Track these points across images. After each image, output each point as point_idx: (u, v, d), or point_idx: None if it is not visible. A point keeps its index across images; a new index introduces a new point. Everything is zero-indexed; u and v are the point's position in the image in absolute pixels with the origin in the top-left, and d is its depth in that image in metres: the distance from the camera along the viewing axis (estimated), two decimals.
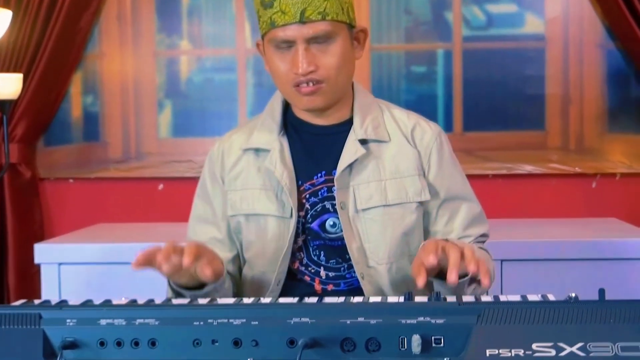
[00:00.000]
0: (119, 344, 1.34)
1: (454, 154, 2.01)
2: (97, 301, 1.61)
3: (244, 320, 1.30)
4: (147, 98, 3.41)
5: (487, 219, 2.03)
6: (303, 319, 1.29)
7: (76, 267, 2.82)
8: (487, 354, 1.26)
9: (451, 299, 1.40)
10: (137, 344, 1.34)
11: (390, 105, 2.02)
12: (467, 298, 1.42)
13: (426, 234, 1.98)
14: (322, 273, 1.94)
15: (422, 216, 1.95)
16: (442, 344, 1.29)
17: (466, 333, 1.28)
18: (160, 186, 3.43)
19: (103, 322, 1.33)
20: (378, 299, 1.56)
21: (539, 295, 1.61)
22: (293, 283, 1.95)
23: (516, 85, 3.36)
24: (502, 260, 2.77)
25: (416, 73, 3.39)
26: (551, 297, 1.57)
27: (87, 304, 1.51)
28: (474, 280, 1.73)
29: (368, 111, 1.95)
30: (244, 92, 3.37)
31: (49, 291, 2.80)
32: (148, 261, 1.73)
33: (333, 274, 1.94)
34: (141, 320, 1.32)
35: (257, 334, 1.31)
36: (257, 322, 1.30)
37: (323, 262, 1.93)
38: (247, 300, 1.56)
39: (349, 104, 1.96)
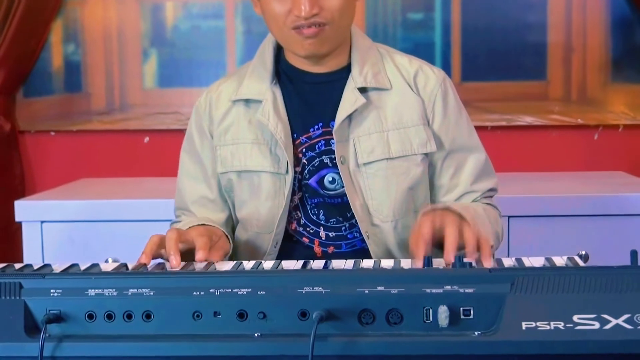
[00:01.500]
0: (109, 316, 1.20)
1: (460, 101, 1.88)
2: (83, 264, 1.46)
3: (250, 289, 1.17)
4: (131, 46, 3.30)
5: (494, 172, 1.91)
6: (316, 288, 1.16)
7: (59, 225, 2.71)
8: (523, 327, 1.13)
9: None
10: (130, 316, 1.20)
11: (391, 49, 1.89)
12: (499, 264, 1.28)
13: (431, 187, 1.87)
14: (322, 234, 1.83)
15: (427, 169, 1.83)
16: (471, 316, 1.16)
17: (498, 303, 1.15)
18: (146, 139, 3.33)
19: (91, 292, 1.19)
20: (391, 262, 1.43)
21: (564, 258, 1.49)
22: (290, 245, 1.84)
23: (517, 32, 3.26)
24: (508, 217, 2.65)
25: (413, 20, 3.27)
26: (579, 261, 1.44)
27: (73, 269, 1.37)
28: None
29: (367, 57, 1.82)
30: (232, 39, 3.27)
31: (30, 251, 2.69)
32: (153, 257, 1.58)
33: (334, 234, 1.83)
34: (134, 291, 1.18)
35: (265, 305, 1.18)
36: (264, 292, 1.17)
37: (322, 222, 1.82)
38: (249, 265, 1.42)
39: (346, 49, 1.83)
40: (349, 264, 1.51)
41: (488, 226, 1.75)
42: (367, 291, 1.16)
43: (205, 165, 1.88)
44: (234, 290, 1.17)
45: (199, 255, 1.56)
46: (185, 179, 1.92)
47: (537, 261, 1.48)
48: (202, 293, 1.18)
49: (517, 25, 3.24)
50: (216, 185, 1.88)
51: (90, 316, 1.21)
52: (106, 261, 2.58)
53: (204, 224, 1.77)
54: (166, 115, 3.29)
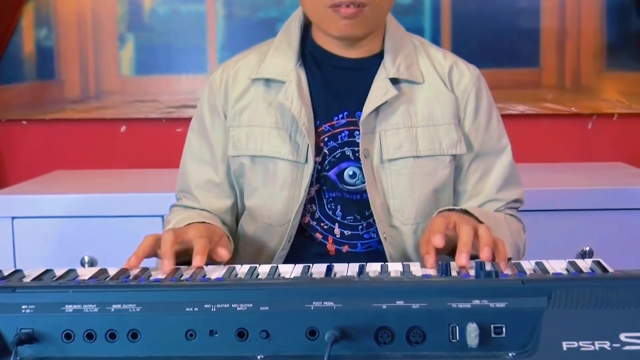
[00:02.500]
0: (89, 336, 1.05)
1: (493, 101, 1.77)
2: (59, 269, 1.31)
3: (250, 304, 1.02)
4: (107, 31, 3.19)
5: (520, 179, 1.80)
6: (326, 303, 1.02)
7: (32, 221, 2.58)
8: (564, 347, 1.00)
9: (509, 272, 1.12)
10: (113, 336, 1.05)
11: (425, 41, 1.78)
12: (518, 269, 1.14)
13: (454, 194, 1.76)
14: (337, 231, 1.71)
15: (453, 171, 1.73)
16: (504, 334, 1.02)
17: (534, 320, 1.01)
18: (123, 128, 3.22)
19: (69, 308, 1.04)
20: (399, 266, 1.29)
21: (588, 262, 1.36)
22: (302, 240, 1.72)
23: (509, 18, 3.17)
24: None
25: (401, 4, 3.17)
26: (606, 265, 1.31)
27: (47, 275, 1.22)
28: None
29: (401, 47, 1.71)
30: (213, 24, 3.16)
31: (0, 249, 2.57)
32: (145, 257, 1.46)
33: (349, 232, 1.71)
34: (118, 306, 1.03)
35: (268, 322, 1.03)
36: (267, 308, 1.02)
37: (339, 218, 1.71)
38: (242, 270, 1.28)
39: (380, 36, 1.72)
40: (352, 268, 1.38)
41: (507, 236, 1.63)
42: (384, 306, 1.02)
43: (214, 147, 1.76)
44: (233, 305, 1.02)
45: (197, 260, 1.44)
46: (190, 160, 1.80)
47: (558, 265, 1.37)
48: (196, 309, 1.03)
49: (509, 10, 3.17)
50: (224, 169, 1.76)
51: (68, 336, 1.07)
52: (82, 261, 2.54)
53: (204, 222, 1.65)
54: (144, 103, 3.19)
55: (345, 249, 1.71)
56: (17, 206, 2.59)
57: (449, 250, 1.49)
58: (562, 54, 3.18)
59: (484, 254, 1.38)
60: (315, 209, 1.71)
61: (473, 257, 1.42)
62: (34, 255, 2.53)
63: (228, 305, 1.03)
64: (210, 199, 1.76)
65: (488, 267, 1.20)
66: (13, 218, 2.58)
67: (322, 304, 1.02)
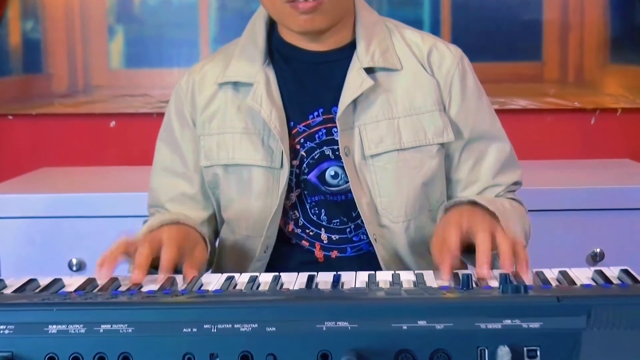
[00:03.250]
0: None
1: (479, 83, 1.66)
2: (44, 278, 1.21)
3: (255, 325, 0.92)
4: (95, 23, 3.12)
5: (518, 162, 1.70)
6: (340, 324, 0.91)
7: (17, 222, 2.49)
8: None
9: (541, 288, 1.01)
10: None
11: (400, 24, 1.67)
12: (569, 290, 1.04)
13: (447, 182, 1.66)
14: (324, 236, 1.62)
15: (443, 161, 1.62)
16: (538, 358, 0.92)
17: (572, 342, 0.91)
18: (112, 123, 3.15)
19: (53, 328, 0.94)
20: (411, 275, 1.18)
21: (614, 270, 1.28)
22: (288, 249, 1.63)
23: (510, 10, 3.11)
24: None
25: None
26: (636, 275, 1.22)
27: (31, 285, 1.11)
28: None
29: (374, 33, 1.61)
30: (206, 16, 3.10)
31: None
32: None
33: (337, 236, 1.61)
34: (107, 327, 0.93)
35: (275, 345, 0.93)
36: (274, 328, 0.92)
37: (324, 223, 1.61)
38: (242, 279, 1.17)
39: (349, 24, 1.62)
40: (361, 278, 1.28)
41: (518, 225, 1.54)
42: (405, 327, 0.92)
43: (186, 158, 1.67)
44: (236, 325, 0.92)
45: (160, 277, 1.36)
46: (161, 173, 1.70)
47: (582, 274, 1.28)
48: (194, 330, 0.93)
49: (511, 2, 3.11)
50: (198, 180, 1.67)
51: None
52: (69, 264, 2.44)
53: (178, 222, 1.54)
54: (134, 97, 3.13)
55: (334, 254, 1.62)
56: (1, 206, 2.50)
57: (462, 249, 1.40)
58: (564, 47, 3.12)
59: (506, 266, 1.29)
60: (298, 215, 1.62)
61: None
62: (19, 258, 2.45)
63: (230, 325, 0.93)
64: (186, 212, 1.66)
65: (513, 278, 1.10)
66: None
67: (336, 324, 0.92)
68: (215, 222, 1.70)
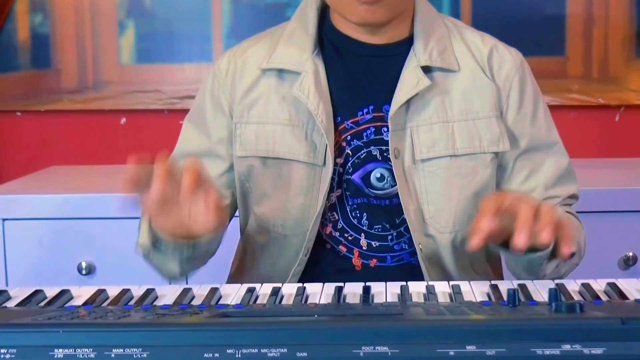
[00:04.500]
0: None
1: (539, 90, 1.59)
2: (51, 288, 1.13)
3: (284, 349, 0.82)
4: (106, 17, 3.08)
5: (576, 176, 1.62)
6: (379, 348, 0.82)
7: (24, 223, 2.43)
8: None
9: (602, 310, 0.92)
10: None
11: (460, 23, 1.61)
12: (630, 309, 0.95)
13: None
14: (363, 242, 1.53)
15: (495, 171, 1.53)
16: None
17: None
18: (123, 120, 3.12)
19: (59, 353, 0.84)
20: (446, 286, 1.09)
21: None
22: (323, 253, 1.54)
23: (533, 3, 3.07)
24: None
25: None
26: None
27: (34, 301, 1.02)
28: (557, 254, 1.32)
29: (432, 30, 1.53)
30: (219, 9, 3.06)
31: None
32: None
33: (377, 243, 1.53)
34: (119, 351, 0.83)
35: None
36: (305, 354, 0.82)
37: (365, 228, 1.52)
38: (264, 291, 1.08)
39: (408, 18, 1.54)
40: (392, 289, 1.19)
41: (575, 233, 1.45)
42: (452, 352, 0.82)
43: (212, 143, 1.58)
44: (262, 350, 0.82)
45: (187, 184, 1.27)
46: (183, 154, 1.60)
47: (632, 285, 1.20)
48: (216, 355, 0.83)
49: None
50: (222, 168, 1.59)
51: None
52: (79, 267, 2.36)
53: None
54: (145, 94, 3.09)
55: (373, 262, 1.53)
56: (8, 206, 2.44)
57: (502, 241, 1.32)
58: (588, 42, 3.07)
59: (544, 236, 1.22)
60: (337, 217, 1.53)
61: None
62: (26, 261, 2.39)
63: (256, 350, 0.83)
64: None
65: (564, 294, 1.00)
66: (4, 220, 2.43)
67: (374, 349, 0.82)
68: (228, 215, 1.60)
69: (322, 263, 1.53)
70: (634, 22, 3.04)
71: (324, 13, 1.57)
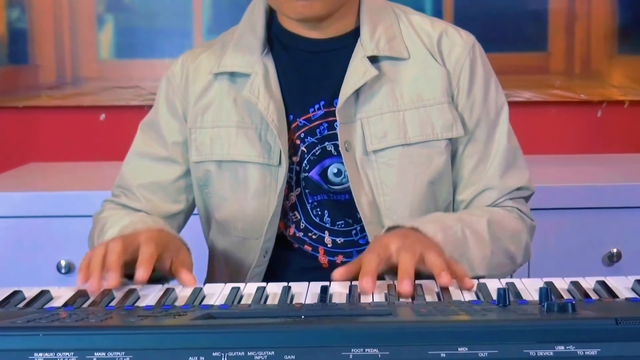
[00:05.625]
0: None
1: (493, 73, 1.57)
2: (30, 289, 1.10)
3: (272, 352, 0.80)
4: (84, 12, 3.06)
5: (526, 165, 1.58)
6: (369, 350, 0.80)
7: (3, 221, 2.40)
8: None
9: (594, 309, 0.90)
10: None
11: (408, 9, 1.57)
12: (623, 308, 0.93)
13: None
14: (328, 239, 1.51)
15: (450, 158, 1.51)
16: None
17: None
18: (102, 116, 3.10)
19: (39, 357, 0.81)
20: (433, 286, 1.07)
21: None
22: (289, 254, 1.53)
23: None
24: None
25: None
26: None
27: (13, 302, 1.00)
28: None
29: (379, 19, 1.51)
30: (199, 4, 3.04)
31: None
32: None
33: (342, 240, 1.51)
34: (101, 354, 0.81)
35: None
36: (293, 356, 0.80)
37: (328, 225, 1.51)
38: (249, 290, 1.05)
39: (354, 9, 1.52)
40: (379, 287, 1.17)
41: (481, 249, 1.42)
42: (443, 354, 0.80)
43: (169, 149, 1.58)
44: (249, 353, 0.80)
45: (139, 273, 1.25)
46: (136, 157, 1.62)
47: (621, 283, 1.18)
48: (202, 358, 0.81)
49: None
50: (175, 174, 1.58)
51: None
52: (58, 265, 2.33)
53: (161, 230, 1.44)
54: (124, 89, 3.07)
55: (339, 259, 1.52)
56: None
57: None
58: (571, 38, 3.06)
59: (443, 280, 1.19)
60: (299, 217, 1.52)
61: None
62: (4, 260, 2.36)
63: (243, 352, 0.81)
64: (154, 201, 1.58)
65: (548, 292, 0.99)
66: None
67: (364, 351, 0.80)
68: (183, 220, 1.62)
69: (288, 263, 1.52)
70: (616, 18, 3.04)
71: (272, 14, 1.56)
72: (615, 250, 2.33)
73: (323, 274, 1.46)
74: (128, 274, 1.29)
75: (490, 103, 1.54)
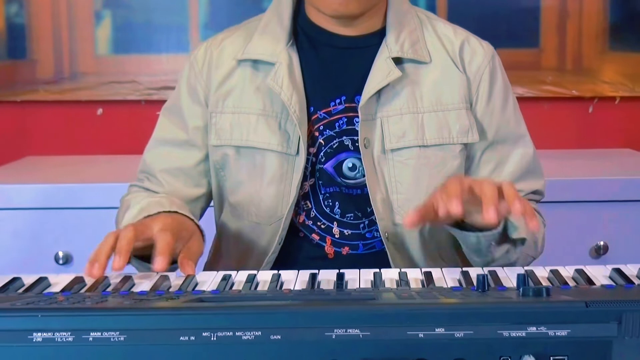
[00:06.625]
0: None
1: (509, 83, 1.61)
2: (29, 276, 1.14)
3: (259, 332, 0.84)
4: (82, 8, 3.05)
5: (542, 171, 1.63)
6: (351, 331, 0.83)
7: (1, 214, 2.41)
8: None
9: (569, 294, 0.94)
10: None
11: (432, 16, 1.61)
12: (594, 293, 0.97)
13: None
14: (335, 230, 1.54)
15: (464, 162, 1.55)
16: None
17: (602, 351, 0.84)
18: (99, 111, 3.09)
19: (38, 336, 0.85)
20: (418, 273, 1.11)
21: (633, 268, 1.22)
22: (297, 241, 1.56)
23: None
24: None
25: None
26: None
27: (14, 287, 1.03)
28: (507, 239, 1.37)
29: (405, 22, 1.55)
30: (195, 1, 3.03)
31: None
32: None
33: (349, 232, 1.55)
34: (97, 334, 0.85)
35: (281, 355, 0.85)
36: (279, 337, 0.84)
37: (337, 216, 1.54)
38: (240, 278, 1.09)
39: (381, 11, 1.55)
40: (366, 275, 1.22)
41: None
42: (421, 335, 0.84)
43: (190, 133, 1.60)
44: (237, 333, 0.84)
45: (157, 263, 1.27)
46: (158, 143, 1.63)
47: (598, 271, 1.21)
48: (192, 338, 0.85)
49: None
50: (197, 157, 1.60)
51: None
52: (56, 256, 2.36)
53: (176, 211, 1.46)
54: (121, 84, 3.07)
55: (345, 250, 1.55)
56: None
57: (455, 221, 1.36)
58: (563, 34, 3.07)
59: (516, 208, 1.23)
60: (310, 206, 1.55)
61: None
62: (3, 252, 2.37)
63: (231, 333, 0.85)
64: (177, 185, 1.60)
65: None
66: None
67: (346, 331, 0.84)
68: (205, 203, 1.64)
69: (295, 251, 1.54)
70: (608, 15, 3.05)
71: (299, 5, 1.58)
72: (602, 243, 2.36)
73: (329, 264, 1.51)
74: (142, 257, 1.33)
75: (509, 111, 1.58)
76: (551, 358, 0.85)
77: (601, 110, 3.10)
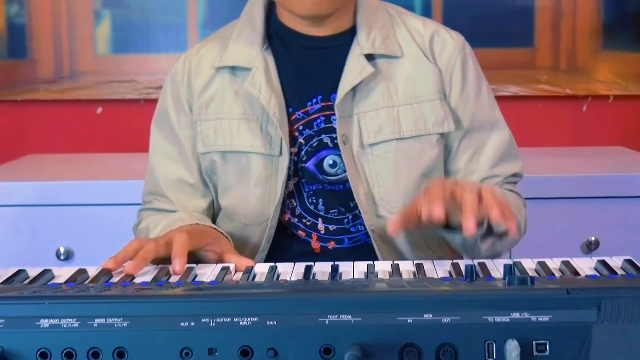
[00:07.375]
0: (69, 355, 0.91)
1: (481, 71, 1.63)
2: (33, 269, 1.17)
3: (255, 318, 0.88)
4: (82, 8, 3.06)
5: (519, 153, 1.66)
6: (343, 317, 0.88)
7: (2, 210, 2.43)
8: None
9: (553, 283, 0.98)
10: (96, 355, 0.91)
11: (402, 10, 1.63)
12: (577, 282, 1.01)
13: (445, 173, 1.62)
14: (321, 226, 1.58)
15: (442, 151, 1.59)
16: (547, 352, 0.90)
17: (582, 336, 0.88)
18: (99, 110, 3.10)
19: (45, 322, 0.90)
20: (410, 265, 1.15)
21: (616, 259, 1.25)
22: (283, 239, 1.59)
23: None
24: None
25: None
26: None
27: (19, 277, 1.07)
28: (491, 233, 1.39)
29: (375, 18, 1.57)
30: (194, 0, 3.05)
31: None
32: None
33: (334, 227, 1.58)
34: (101, 320, 0.89)
35: (276, 339, 0.90)
36: (274, 322, 0.88)
37: (321, 213, 1.57)
38: (236, 274, 1.13)
39: (351, 9, 1.58)
40: (360, 267, 1.25)
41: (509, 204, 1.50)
42: (410, 320, 0.88)
43: (183, 144, 1.62)
44: (235, 319, 0.88)
45: (176, 265, 1.30)
46: (158, 158, 1.65)
47: (585, 263, 1.25)
48: (192, 324, 0.89)
49: None
50: (196, 167, 1.63)
51: (44, 355, 0.92)
52: (57, 252, 2.39)
53: (197, 224, 1.51)
54: (121, 83, 3.08)
55: (331, 245, 1.59)
56: None
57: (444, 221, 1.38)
58: (557, 34, 3.09)
59: (493, 215, 1.26)
60: (295, 204, 1.59)
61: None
62: (5, 248, 2.39)
63: (229, 319, 0.89)
64: (184, 200, 1.62)
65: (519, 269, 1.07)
66: None
67: (339, 317, 0.89)
68: (213, 211, 1.66)
69: (284, 248, 1.58)
70: (601, 15, 3.06)
71: (270, 9, 1.61)
72: (593, 238, 2.40)
73: (316, 259, 1.53)
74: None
75: (483, 98, 1.61)
76: (534, 342, 0.90)
77: (595, 109, 3.11)
